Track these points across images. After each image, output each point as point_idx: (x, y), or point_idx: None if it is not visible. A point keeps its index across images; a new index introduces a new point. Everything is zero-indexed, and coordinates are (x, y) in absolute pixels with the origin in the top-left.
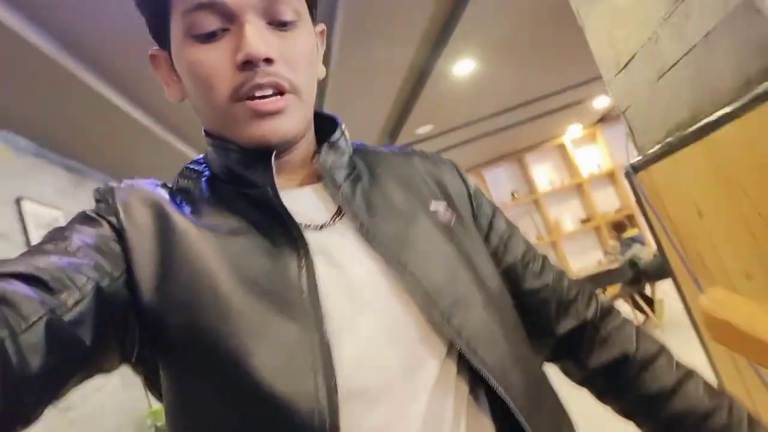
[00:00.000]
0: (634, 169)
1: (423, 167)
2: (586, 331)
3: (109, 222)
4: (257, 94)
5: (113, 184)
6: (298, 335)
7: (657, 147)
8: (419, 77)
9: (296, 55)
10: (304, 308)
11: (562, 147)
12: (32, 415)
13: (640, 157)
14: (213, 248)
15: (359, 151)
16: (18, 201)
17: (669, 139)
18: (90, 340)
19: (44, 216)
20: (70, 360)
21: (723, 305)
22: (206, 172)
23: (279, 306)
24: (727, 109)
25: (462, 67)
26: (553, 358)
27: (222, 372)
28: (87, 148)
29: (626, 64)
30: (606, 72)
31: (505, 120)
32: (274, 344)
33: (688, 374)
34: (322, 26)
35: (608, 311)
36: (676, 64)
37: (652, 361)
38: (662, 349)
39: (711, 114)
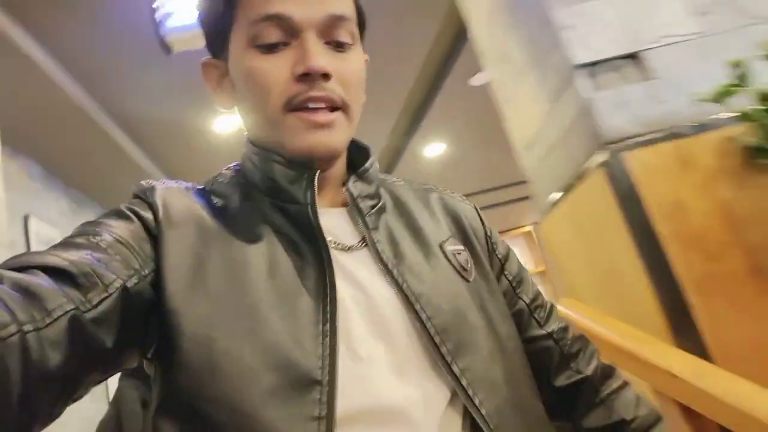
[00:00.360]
0: (536, 225)
1: (441, 205)
2: (585, 389)
3: (143, 219)
4: (310, 105)
5: (153, 182)
6: (311, 382)
7: (547, 207)
8: (393, 156)
9: (350, 75)
10: (318, 347)
11: (528, 234)
12: (52, 412)
13: (539, 216)
14: (245, 262)
15: (384, 181)
16: (26, 217)
17: (553, 200)
18: (111, 340)
19: (45, 233)
20: (90, 358)
21: (571, 307)
22: (242, 181)
23: (295, 337)
24: (575, 178)
25: (433, 149)
26: (549, 415)
27: (224, 390)
28: (87, 180)
29: (529, 146)
30: (518, 150)
31: (474, 203)
32: (285, 385)
33: None
34: (366, 56)
35: (609, 373)
36: (555, 145)
37: (649, 431)
38: (659, 419)
39: (572, 181)
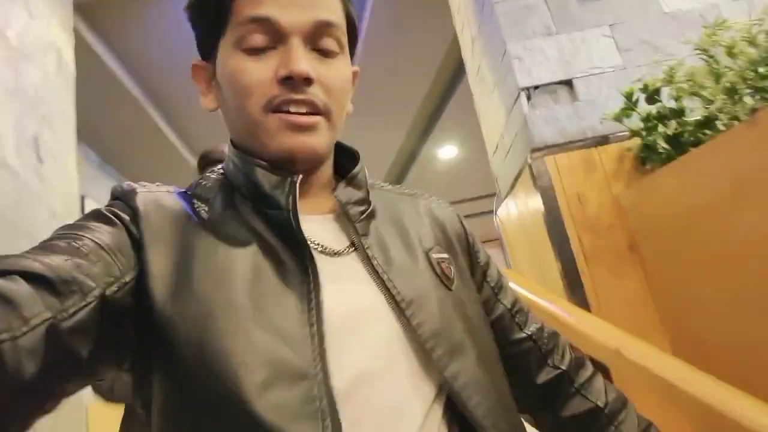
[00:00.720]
0: (497, 211)
1: (428, 213)
2: (562, 382)
3: (125, 223)
4: (292, 109)
5: (134, 185)
6: (304, 377)
7: (505, 197)
8: (408, 159)
9: (333, 82)
10: (307, 347)
11: None
12: (24, 423)
13: (500, 205)
14: (229, 264)
15: (373, 185)
16: (82, 197)
17: (505, 194)
18: (87, 351)
19: None
20: (65, 368)
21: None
22: (226, 183)
23: (284, 338)
24: (517, 176)
25: (446, 152)
26: (528, 409)
27: (220, 391)
28: (137, 170)
29: (495, 150)
30: (489, 153)
31: (487, 205)
32: (278, 378)
33: (648, 427)
34: (356, 68)
35: (581, 364)
36: (509, 150)
37: (619, 414)
38: (627, 403)
39: (515, 179)
